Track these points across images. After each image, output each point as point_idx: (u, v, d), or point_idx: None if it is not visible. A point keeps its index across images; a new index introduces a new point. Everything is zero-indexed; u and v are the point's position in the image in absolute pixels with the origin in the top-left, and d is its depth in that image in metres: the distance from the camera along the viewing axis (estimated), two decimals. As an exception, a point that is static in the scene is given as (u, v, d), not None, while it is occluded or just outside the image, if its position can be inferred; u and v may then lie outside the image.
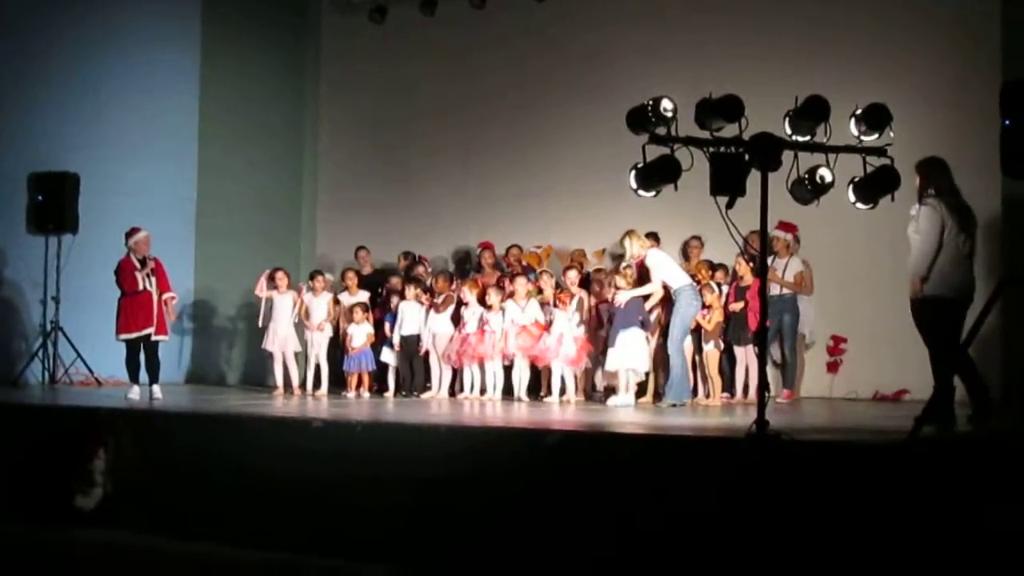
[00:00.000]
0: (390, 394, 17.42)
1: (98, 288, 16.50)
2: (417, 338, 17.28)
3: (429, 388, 17.33)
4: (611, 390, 15.89)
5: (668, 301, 15.49)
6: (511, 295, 16.60)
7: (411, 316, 17.28)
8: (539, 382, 16.87)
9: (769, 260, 14.44)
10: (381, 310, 17.91)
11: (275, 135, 21.51)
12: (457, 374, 17.13)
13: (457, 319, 17.04)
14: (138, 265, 15.59)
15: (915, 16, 16.50)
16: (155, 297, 15.61)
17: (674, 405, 14.93)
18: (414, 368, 17.34)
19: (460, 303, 17.08)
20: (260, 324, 18.01)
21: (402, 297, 17.46)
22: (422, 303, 17.39)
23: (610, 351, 15.50)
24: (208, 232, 20.33)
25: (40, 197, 18.15)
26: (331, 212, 21.71)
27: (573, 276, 16.55)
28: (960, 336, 11.20)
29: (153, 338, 15.66)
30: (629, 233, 15.66)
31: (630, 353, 15.42)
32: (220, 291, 20.47)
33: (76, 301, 17.77)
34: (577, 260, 17.25)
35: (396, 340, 17.30)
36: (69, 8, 18.60)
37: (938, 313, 11.61)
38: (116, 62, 19.23)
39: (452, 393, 17.08)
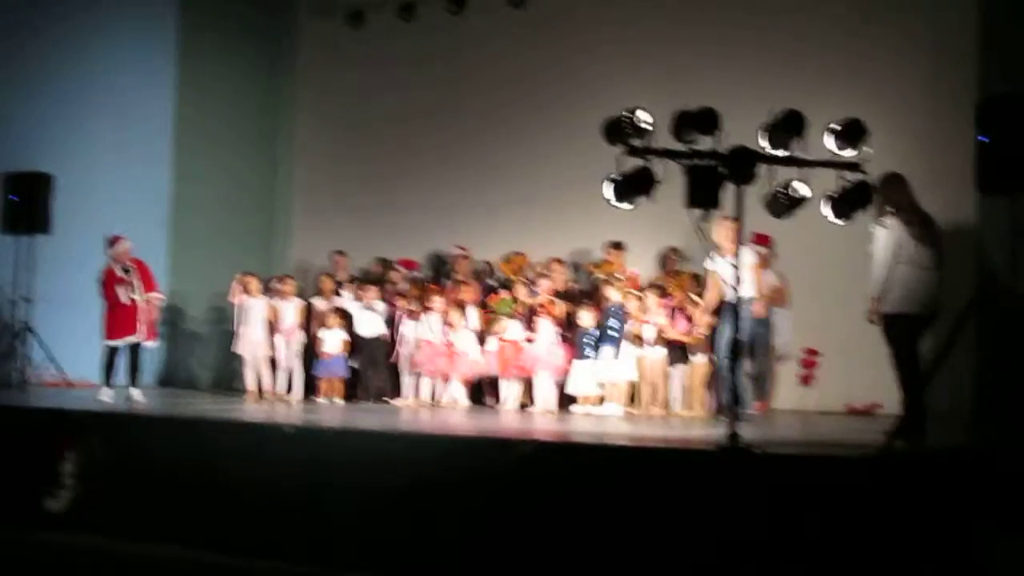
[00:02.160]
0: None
1: (71, 289, 16.47)
2: (381, 342, 17.27)
3: (399, 395, 17.29)
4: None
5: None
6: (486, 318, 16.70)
7: (368, 318, 17.31)
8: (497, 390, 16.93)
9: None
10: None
11: (251, 140, 21.45)
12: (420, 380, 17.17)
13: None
14: (121, 275, 15.57)
15: (892, 31, 16.52)
16: (141, 303, 15.61)
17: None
18: (377, 373, 17.35)
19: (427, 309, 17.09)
20: (234, 329, 17.95)
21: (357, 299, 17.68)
22: (393, 306, 17.43)
23: (605, 362, 15.68)
24: (182, 236, 20.25)
25: (13, 197, 18.06)
26: (307, 217, 21.66)
27: (546, 285, 16.54)
28: (917, 350, 11.42)
29: (144, 344, 15.70)
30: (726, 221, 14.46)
31: (623, 365, 15.64)
32: (193, 295, 20.39)
33: (48, 302, 17.68)
34: (552, 269, 17.17)
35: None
36: (45, 10, 18.54)
37: (902, 329, 11.65)
38: (92, 64, 19.17)
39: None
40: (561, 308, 16.30)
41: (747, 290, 14.31)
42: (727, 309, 14.58)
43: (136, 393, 15.64)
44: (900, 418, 11.19)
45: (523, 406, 16.37)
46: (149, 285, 15.76)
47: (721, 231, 14.35)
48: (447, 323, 16.75)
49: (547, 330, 16.10)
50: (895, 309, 11.67)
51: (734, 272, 14.44)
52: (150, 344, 15.91)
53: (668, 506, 9.39)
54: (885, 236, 11.67)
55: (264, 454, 11.58)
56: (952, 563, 8.68)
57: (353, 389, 17.62)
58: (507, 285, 17.41)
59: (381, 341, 17.37)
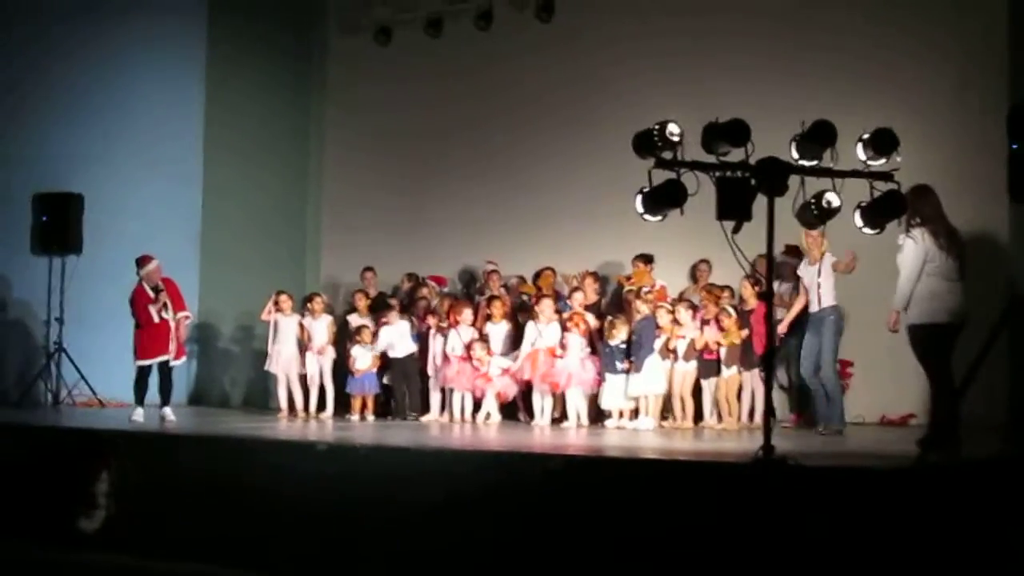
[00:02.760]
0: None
1: (102, 309, 16.53)
2: (412, 359, 17.31)
3: (428, 411, 17.28)
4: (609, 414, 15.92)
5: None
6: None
7: (399, 338, 17.31)
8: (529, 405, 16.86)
9: (776, 285, 14.42)
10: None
11: (280, 157, 21.46)
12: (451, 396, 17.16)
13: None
14: (152, 295, 15.62)
15: (921, 41, 16.45)
16: (171, 323, 15.66)
17: (839, 431, 14.34)
18: (409, 390, 17.33)
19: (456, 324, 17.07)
20: (267, 347, 17.96)
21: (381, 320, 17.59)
22: (414, 325, 17.50)
23: (634, 376, 15.60)
24: (212, 254, 20.27)
25: (45, 217, 18.17)
26: (337, 234, 21.64)
27: (579, 299, 16.50)
28: (950, 360, 11.49)
29: (172, 363, 15.74)
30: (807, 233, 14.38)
31: (655, 378, 15.56)
32: (224, 313, 20.42)
33: (80, 322, 17.78)
34: (583, 282, 17.11)
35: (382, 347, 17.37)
36: (75, 31, 18.64)
37: (931, 340, 11.77)
38: (122, 84, 19.25)
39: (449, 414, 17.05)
40: (591, 322, 16.24)
41: (828, 299, 14.27)
42: (810, 319, 14.61)
43: (168, 412, 15.69)
44: (932, 429, 11.38)
45: (555, 420, 16.32)
46: (179, 304, 15.80)
47: (810, 238, 14.32)
48: (480, 339, 16.70)
49: (577, 344, 16.05)
50: (923, 320, 11.81)
51: (817, 280, 14.47)
52: (178, 362, 15.95)
53: (703, 519, 9.35)
54: (912, 247, 11.85)
55: (296, 472, 11.57)
56: (988, 573, 8.63)
57: (386, 406, 17.59)
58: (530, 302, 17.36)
59: (412, 358, 17.32)
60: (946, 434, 11.14)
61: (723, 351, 15.67)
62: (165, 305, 15.66)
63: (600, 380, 15.98)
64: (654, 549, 9.47)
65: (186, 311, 15.99)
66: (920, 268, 11.84)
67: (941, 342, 11.74)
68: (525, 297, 17.67)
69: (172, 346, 15.74)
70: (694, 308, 15.92)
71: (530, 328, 16.40)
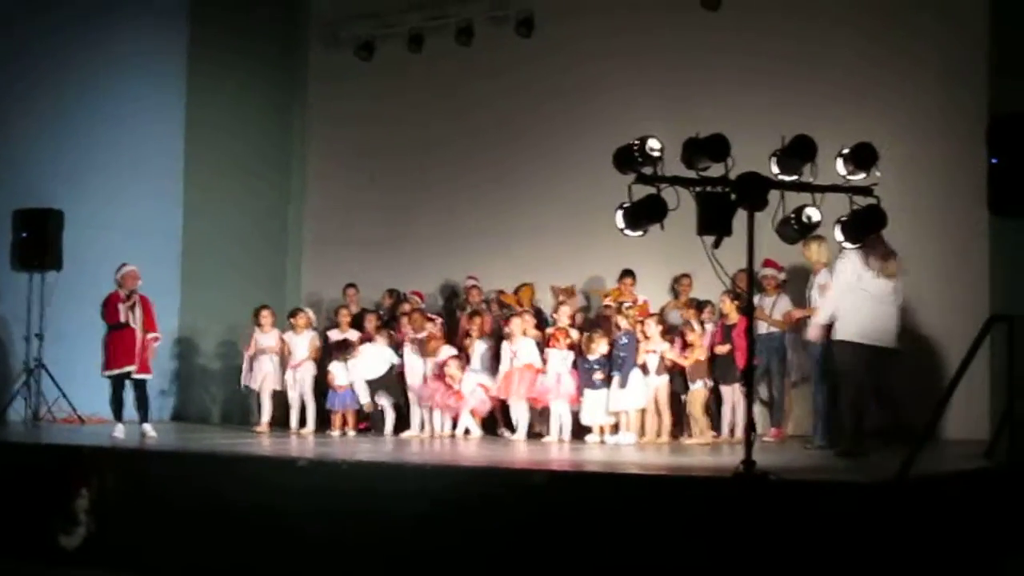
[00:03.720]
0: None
1: (82, 325, 16.46)
2: (392, 376, 17.25)
3: (408, 428, 17.22)
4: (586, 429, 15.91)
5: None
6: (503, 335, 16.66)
7: (374, 360, 17.27)
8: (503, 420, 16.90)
9: (756, 299, 14.44)
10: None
11: (261, 173, 21.43)
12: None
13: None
14: (124, 298, 15.62)
15: (901, 56, 16.46)
16: (139, 334, 15.64)
17: (820, 448, 14.31)
18: (383, 406, 17.32)
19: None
20: (244, 362, 17.94)
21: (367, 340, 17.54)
22: (394, 339, 17.46)
23: (615, 390, 15.55)
24: (193, 270, 20.24)
25: (24, 234, 18.09)
26: (319, 250, 21.61)
27: (566, 311, 16.49)
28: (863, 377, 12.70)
29: (134, 376, 15.69)
30: (818, 239, 14.01)
31: (636, 393, 15.51)
32: (205, 329, 20.38)
33: (60, 338, 17.72)
34: (567, 297, 17.11)
35: (362, 390, 17.25)
36: (55, 47, 18.56)
37: (850, 356, 12.76)
38: (102, 100, 19.18)
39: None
40: (574, 336, 16.23)
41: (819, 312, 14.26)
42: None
43: (148, 428, 15.68)
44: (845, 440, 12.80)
45: (537, 435, 16.30)
46: (149, 324, 15.79)
47: (823, 248, 14.32)
48: (457, 356, 16.67)
49: (559, 359, 16.03)
50: (846, 337, 12.73)
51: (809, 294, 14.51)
52: (146, 377, 15.91)
53: (684, 534, 9.35)
54: (845, 267, 12.68)
55: (277, 488, 11.56)
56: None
57: (367, 421, 17.56)
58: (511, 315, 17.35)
59: (392, 375, 17.29)
60: (856, 445, 12.63)
61: (688, 361, 15.70)
62: (133, 311, 15.65)
63: (580, 395, 15.96)
64: (636, 564, 9.47)
65: (156, 332, 15.95)
66: (848, 286, 12.69)
67: (857, 360, 12.70)
68: (506, 310, 17.66)
69: (137, 360, 15.70)
70: (663, 322, 15.94)
71: (504, 348, 16.40)
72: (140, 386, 15.86)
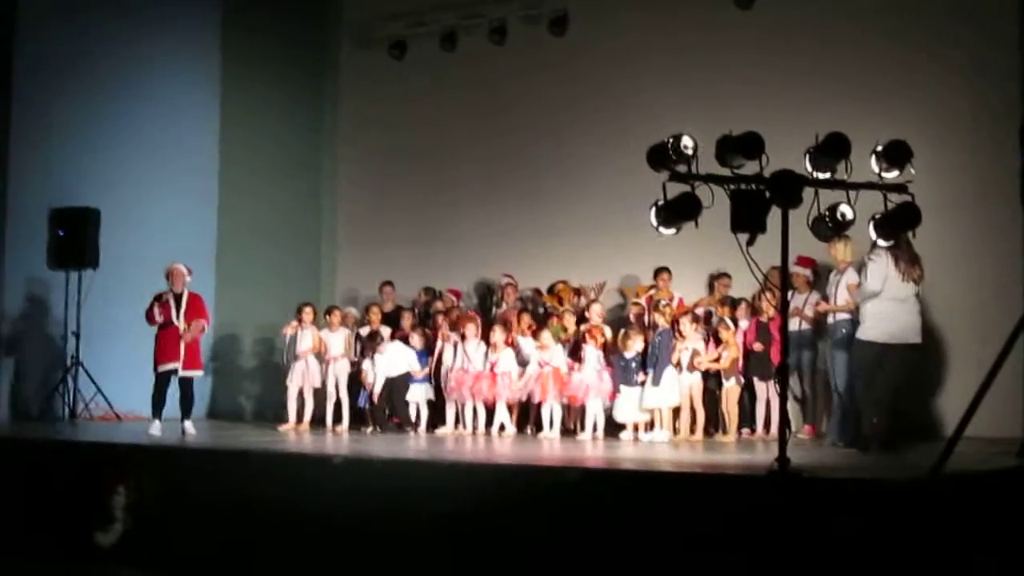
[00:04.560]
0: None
1: (118, 323, 16.57)
2: (405, 376, 17.31)
3: (443, 424, 17.27)
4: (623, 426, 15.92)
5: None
6: (534, 333, 16.67)
7: (397, 358, 17.36)
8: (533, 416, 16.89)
9: (789, 296, 14.44)
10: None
11: (295, 172, 21.50)
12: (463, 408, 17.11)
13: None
14: (167, 298, 15.75)
15: (934, 55, 16.43)
16: (182, 330, 15.74)
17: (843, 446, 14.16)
18: (396, 405, 17.36)
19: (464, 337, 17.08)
20: (284, 360, 17.99)
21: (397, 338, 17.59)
22: (428, 338, 17.57)
23: (649, 388, 15.54)
24: (228, 269, 20.33)
25: (61, 232, 18.19)
26: (353, 248, 21.65)
27: (598, 309, 16.53)
28: (893, 375, 13.08)
29: (180, 373, 15.78)
30: (844, 238, 13.84)
31: (671, 390, 15.51)
32: (240, 327, 20.48)
33: (97, 336, 17.80)
34: (600, 294, 17.13)
35: (379, 385, 17.31)
36: (91, 47, 18.67)
37: (877, 356, 13.11)
38: (137, 100, 19.28)
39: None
40: (608, 334, 16.24)
41: (843, 312, 14.43)
42: (828, 330, 14.73)
43: (188, 426, 15.77)
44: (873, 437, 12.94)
45: (569, 431, 16.32)
46: (193, 314, 15.86)
47: (832, 249, 14.39)
48: (492, 344, 16.73)
49: (593, 357, 16.05)
50: (870, 338, 13.12)
51: (834, 292, 14.51)
52: (193, 374, 15.97)
53: (718, 531, 9.36)
54: (878, 268, 13.04)
55: (312, 485, 11.60)
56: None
57: (378, 420, 17.56)
58: (551, 313, 17.40)
59: (404, 376, 17.34)
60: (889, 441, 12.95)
61: (723, 362, 15.70)
62: (175, 310, 15.76)
63: (615, 392, 15.97)
64: (670, 561, 9.48)
65: (200, 320, 16.00)
66: (879, 288, 13.04)
67: (883, 359, 13.06)
68: (542, 309, 17.71)
69: (182, 356, 15.79)
70: (697, 321, 15.94)
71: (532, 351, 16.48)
72: (184, 383, 15.95)
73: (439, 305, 18.23)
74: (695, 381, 15.67)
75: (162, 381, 15.84)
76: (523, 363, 16.68)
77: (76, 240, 18.10)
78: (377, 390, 17.21)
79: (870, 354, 13.18)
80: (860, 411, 13.44)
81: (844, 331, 14.17)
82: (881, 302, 13.09)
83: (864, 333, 13.21)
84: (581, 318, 16.85)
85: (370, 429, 17.27)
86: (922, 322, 13.38)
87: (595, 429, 15.94)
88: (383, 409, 17.31)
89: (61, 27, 18.44)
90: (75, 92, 18.51)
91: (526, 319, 17.15)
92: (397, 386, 17.25)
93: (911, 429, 15.15)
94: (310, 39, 21.93)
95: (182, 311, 15.86)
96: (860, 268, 13.72)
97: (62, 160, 18.31)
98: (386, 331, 17.70)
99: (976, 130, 15.92)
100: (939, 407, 15.28)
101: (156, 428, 15.51)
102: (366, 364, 17.37)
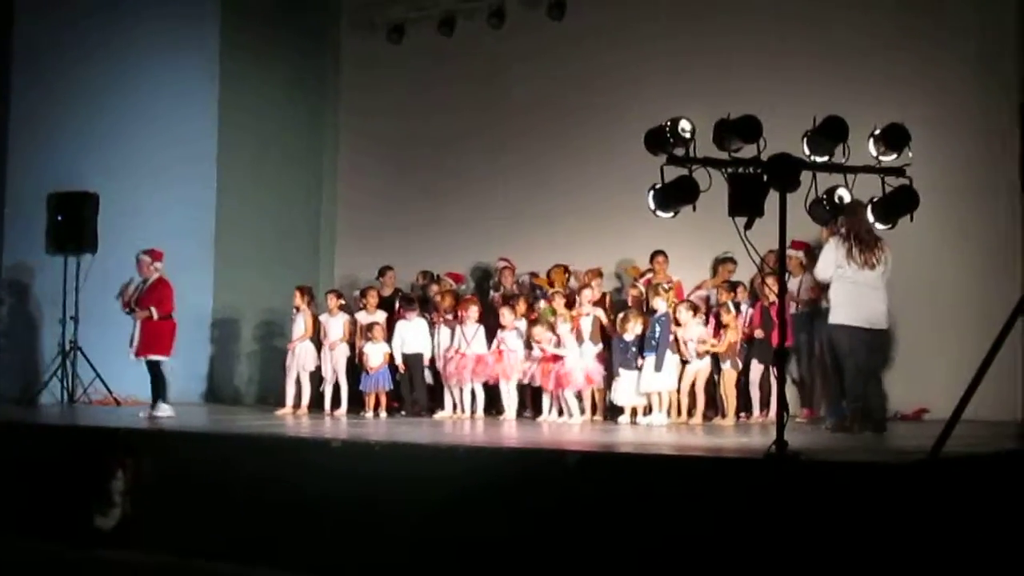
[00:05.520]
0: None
1: (117, 308, 16.53)
2: (420, 356, 17.39)
3: (441, 408, 17.33)
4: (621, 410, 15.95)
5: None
6: (533, 318, 16.71)
7: (412, 335, 17.37)
8: (538, 402, 16.93)
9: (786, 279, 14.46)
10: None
11: (294, 157, 21.54)
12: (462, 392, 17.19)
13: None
14: (128, 286, 15.80)
15: (933, 37, 16.46)
16: (138, 317, 15.73)
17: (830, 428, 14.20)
18: (415, 386, 17.44)
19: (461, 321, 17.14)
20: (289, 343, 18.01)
21: (401, 316, 17.60)
22: (430, 321, 17.61)
23: (647, 371, 15.55)
24: (227, 253, 20.35)
25: (60, 217, 18.20)
26: (352, 232, 21.69)
27: (588, 295, 16.53)
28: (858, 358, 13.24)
29: (132, 359, 15.76)
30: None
31: (670, 374, 15.55)
32: (238, 312, 20.51)
33: (95, 321, 17.81)
34: (591, 280, 17.12)
35: (399, 359, 17.42)
36: (90, 33, 18.68)
37: (850, 339, 13.24)
38: (137, 84, 19.29)
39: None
40: (599, 318, 16.24)
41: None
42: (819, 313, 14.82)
43: (157, 410, 15.68)
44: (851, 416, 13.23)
45: (559, 413, 16.36)
46: (146, 300, 15.78)
47: (824, 232, 14.37)
48: (501, 325, 16.83)
49: (585, 341, 16.09)
50: (840, 321, 13.25)
51: None
52: (147, 359, 15.90)
53: (716, 514, 9.37)
54: (827, 256, 13.34)
55: (311, 469, 11.60)
56: (1005, 566, 8.64)
57: (400, 402, 17.63)
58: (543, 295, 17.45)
59: (419, 356, 17.44)
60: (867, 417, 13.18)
61: (720, 345, 15.72)
62: (134, 296, 15.80)
63: (606, 377, 16.01)
64: (668, 544, 9.49)
65: (149, 308, 15.86)
66: (833, 272, 13.27)
67: (856, 341, 13.20)
68: (539, 291, 17.73)
69: (133, 340, 15.79)
70: (695, 308, 15.94)
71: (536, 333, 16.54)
72: (152, 368, 15.96)
73: (433, 288, 18.24)
74: (702, 367, 15.70)
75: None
76: (527, 345, 16.76)
77: (74, 225, 18.12)
78: (398, 358, 17.37)
79: (840, 337, 13.32)
80: (844, 394, 13.55)
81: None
82: (843, 287, 13.22)
83: (832, 317, 13.37)
84: (574, 302, 16.88)
85: (403, 411, 17.54)
86: (888, 307, 13.42)
87: (583, 412, 16.10)
88: (410, 390, 17.50)
89: (60, 11, 18.47)
90: (74, 76, 18.53)
91: (522, 305, 17.15)
92: (416, 367, 17.35)
93: (900, 412, 15.35)
94: (309, 24, 21.96)
95: (138, 297, 15.81)
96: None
97: (61, 144, 18.33)
98: (381, 316, 17.71)
99: (975, 111, 15.93)
100: (935, 390, 15.27)
101: (162, 410, 15.55)
102: (368, 347, 17.35)
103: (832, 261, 13.18)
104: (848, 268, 13.11)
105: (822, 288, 13.97)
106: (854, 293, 13.15)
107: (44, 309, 18.33)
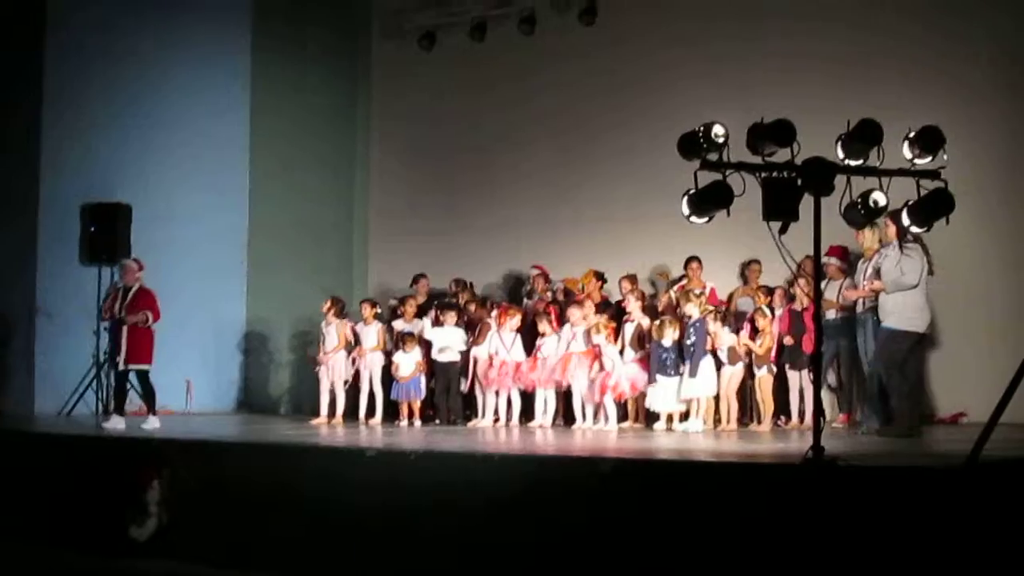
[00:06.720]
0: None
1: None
2: (453, 365, 17.38)
3: (476, 416, 17.34)
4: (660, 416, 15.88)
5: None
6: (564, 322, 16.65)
7: (445, 343, 17.38)
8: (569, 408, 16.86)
9: (823, 284, 14.41)
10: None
11: (326, 164, 21.57)
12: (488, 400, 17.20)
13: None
14: (115, 294, 15.83)
15: (967, 43, 16.38)
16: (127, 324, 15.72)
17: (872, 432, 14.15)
18: (449, 394, 17.45)
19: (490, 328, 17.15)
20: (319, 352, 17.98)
21: (439, 323, 17.61)
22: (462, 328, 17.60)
23: (687, 378, 15.52)
24: (259, 262, 20.38)
25: (93, 228, 18.26)
26: (385, 240, 21.70)
27: (636, 303, 16.44)
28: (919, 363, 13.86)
29: (120, 367, 15.80)
30: (872, 225, 13.61)
31: (707, 380, 15.52)
32: (271, 320, 20.53)
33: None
34: (634, 286, 17.03)
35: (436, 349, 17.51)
36: (121, 41, 18.74)
37: (914, 345, 13.65)
38: (168, 93, 19.35)
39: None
40: (640, 325, 16.17)
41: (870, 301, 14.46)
42: (857, 319, 14.76)
43: (148, 421, 15.67)
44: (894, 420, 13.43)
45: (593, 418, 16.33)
46: (134, 308, 15.76)
47: (876, 235, 14.36)
48: (541, 333, 16.79)
49: (612, 350, 16.07)
50: (910, 328, 13.51)
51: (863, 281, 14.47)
52: (135, 367, 15.89)
53: (753, 521, 9.32)
54: (917, 264, 13.44)
55: (346, 478, 11.59)
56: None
57: (435, 410, 17.61)
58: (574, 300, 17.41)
59: (455, 364, 17.43)
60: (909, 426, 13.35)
61: (760, 351, 15.65)
62: (120, 304, 15.78)
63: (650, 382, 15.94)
64: (705, 551, 9.45)
65: (137, 314, 15.83)
66: (917, 280, 13.48)
67: (912, 349, 13.62)
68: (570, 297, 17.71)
69: (124, 350, 15.79)
70: (724, 318, 15.89)
71: (565, 331, 16.55)
72: (134, 377, 16.06)
73: (464, 296, 18.22)
74: (735, 371, 15.64)
75: (119, 377, 15.91)
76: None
77: (108, 235, 18.17)
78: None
79: (908, 343, 13.49)
80: (890, 398, 13.50)
81: (874, 319, 14.13)
82: (916, 294, 13.43)
83: (903, 324, 13.49)
84: (607, 306, 16.85)
85: (437, 420, 17.53)
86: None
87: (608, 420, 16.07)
88: (445, 399, 17.54)
89: (90, 23, 18.54)
90: (105, 87, 18.59)
91: (553, 313, 17.11)
92: (451, 376, 17.41)
93: (935, 416, 15.32)
94: (340, 31, 21.99)
95: (125, 305, 15.79)
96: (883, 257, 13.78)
97: (93, 156, 18.40)
98: (418, 325, 17.70)
99: (1010, 114, 15.87)
100: (972, 394, 15.17)
101: (114, 422, 15.48)
102: (398, 357, 17.34)
103: (920, 268, 13.45)
104: (923, 275, 13.52)
105: (874, 293, 14.01)
106: (922, 300, 13.54)
107: (78, 320, 18.33)
